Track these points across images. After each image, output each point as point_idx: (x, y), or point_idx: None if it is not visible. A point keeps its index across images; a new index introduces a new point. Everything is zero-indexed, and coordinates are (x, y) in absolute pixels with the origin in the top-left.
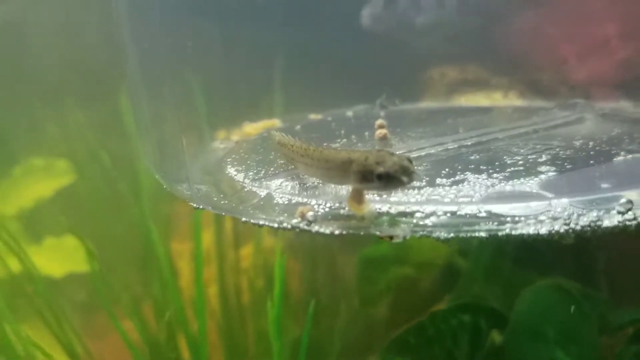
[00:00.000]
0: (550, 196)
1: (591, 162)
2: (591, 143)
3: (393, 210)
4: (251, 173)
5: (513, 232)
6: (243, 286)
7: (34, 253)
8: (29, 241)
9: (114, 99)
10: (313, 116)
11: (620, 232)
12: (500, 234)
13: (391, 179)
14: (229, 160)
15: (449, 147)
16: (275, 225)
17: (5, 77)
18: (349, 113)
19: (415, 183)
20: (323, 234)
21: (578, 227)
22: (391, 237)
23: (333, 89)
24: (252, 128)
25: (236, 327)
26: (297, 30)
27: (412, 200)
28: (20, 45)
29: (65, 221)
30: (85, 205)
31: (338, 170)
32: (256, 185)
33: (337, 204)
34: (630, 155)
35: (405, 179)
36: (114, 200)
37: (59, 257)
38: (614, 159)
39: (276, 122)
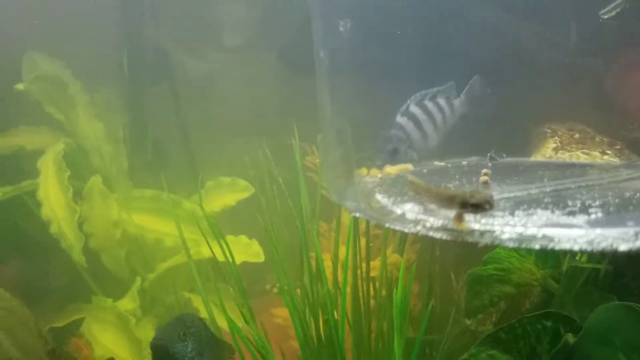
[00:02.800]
0: (587, 227)
1: (630, 208)
2: (638, 195)
3: (482, 228)
4: (392, 199)
5: (556, 247)
6: (371, 292)
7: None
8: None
9: (286, 136)
10: (437, 163)
11: None
12: (550, 247)
13: (478, 206)
14: (376, 190)
15: (531, 192)
16: (406, 230)
17: (205, 116)
18: (464, 162)
19: (497, 212)
20: (436, 238)
21: (599, 248)
22: (478, 243)
23: (457, 142)
24: (391, 169)
25: (364, 324)
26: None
27: (496, 223)
28: (215, 92)
29: (243, 225)
30: (262, 214)
31: (447, 201)
32: (395, 207)
33: (447, 221)
34: None
35: (487, 206)
36: (283, 212)
37: (237, 250)
38: None
39: (409, 166)
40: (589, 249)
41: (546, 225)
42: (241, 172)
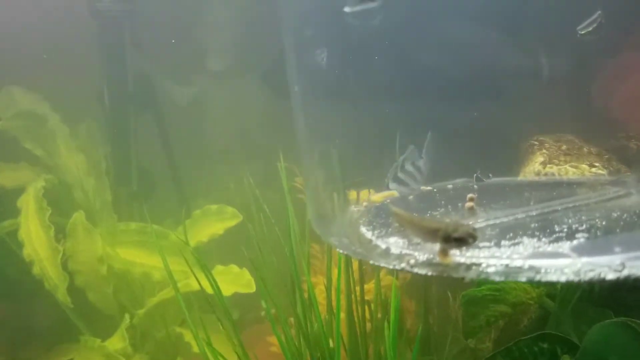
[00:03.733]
0: (574, 255)
1: (617, 230)
2: (625, 215)
3: (468, 261)
4: (376, 232)
5: (543, 280)
6: (366, 316)
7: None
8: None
9: (273, 161)
10: (423, 188)
11: None
12: (536, 279)
13: (461, 240)
14: (361, 221)
15: (518, 217)
16: (390, 267)
17: (193, 144)
18: (450, 186)
19: (482, 244)
20: (421, 275)
21: (587, 279)
22: (463, 278)
23: (444, 164)
24: (377, 197)
25: (360, 348)
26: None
27: (481, 255)
28: (204, 117)
29: (232, 253)
30: (249, 242)
31: (430, 234)
32: (379, 241)
33: (431, 256)
34: None
35: (470, 240)
36: (272, 238)
37: (226, 281)
38: (636, 229)
39: (395, 193)
40: (576, 279)
41: (532, 256)
42: (229, 199)
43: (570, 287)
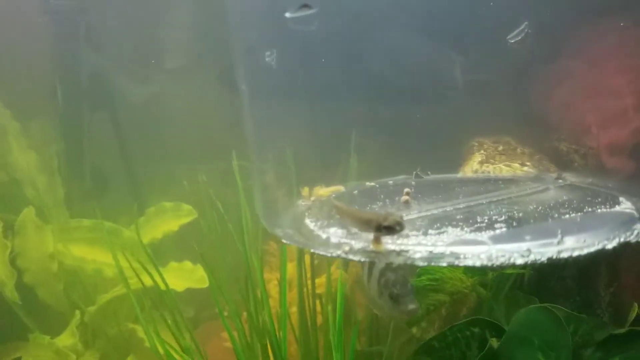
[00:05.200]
0: (490, 243)
1: (531, 221)
2: (540, 207)
3: (397, 249)
4: (319, 223)
5: (462, 264)
6: (317, 309)
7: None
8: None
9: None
10: (367, 183)
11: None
12: (455, 264)
13: (390, 228)
14: (306, 214)
15: (447, 209)
16: (328, 254)
17: (149, 142)
18: (390, 182)
19: (412, 233)
20: (355, 260)
21: (498, 263)
22: (391, 263)
23: (390, 161)
24: (324, 191)
25: (311, 340)
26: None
27: (410, 242)
28: (160, 116)
29: (186, 250)
30: (204, 239)
31: (365, 224)
32: (320, 231)
33: (366, 244)
34: (559, 217)
35: (398, 228)
36: (224, 237)
37: (180, 277)
38: (547, 220)
39: (341, 188)
40: (489, 264)
41: (454, 243)
42: (185, 197)
43: (502, 277)
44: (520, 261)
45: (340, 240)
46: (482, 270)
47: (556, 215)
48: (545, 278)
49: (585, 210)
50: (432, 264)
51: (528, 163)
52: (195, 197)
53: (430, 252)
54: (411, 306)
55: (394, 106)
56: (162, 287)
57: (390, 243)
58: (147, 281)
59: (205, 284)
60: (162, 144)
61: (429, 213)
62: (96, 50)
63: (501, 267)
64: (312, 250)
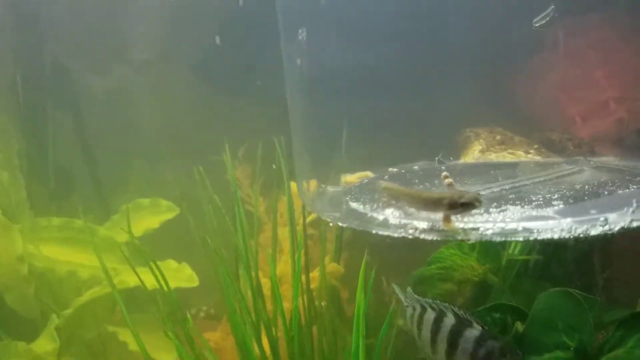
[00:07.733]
0: (559, 217)
1: (585, 198)
2: (587, 187)
3: (467, 226)
4: (368, 206)
5: (538, 237)
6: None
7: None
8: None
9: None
10: (391, 169)
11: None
12: (531, 238)
13: (468, 205)
14: (347, 198)
15: (495, 190)
16: (396, 234)
17: (116, 135)
18: (416, 167)
19: (475, 211)
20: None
21: (575, 235)
22: (468, 240)
23: (400, 150)
24: (352, 178)
25: (304, 333)
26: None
27: (478, 220)
28: (127, 108)
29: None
30: (191, 235)
31: (433, 204)
32: (375, 213)
33: (430, 224)
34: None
35: (477, 204)
36: (220, 231)
37: (167, 277)
38: (600, 196)
39: (369, 174)
40: (567, 236)
41: (523, 219)
42: (159, 193)
43: (510, 264)
44: (595, 232)
45: (401, 221)
46: (496, 257)
47: (606, 192)
48: (547, 265)
49: (631, 187)
50: (508, 239)
51: (531, 151)
52: (163, 195)
53: (503, 228)
54: None
55: (385, 97)
56: (148, 287)
57: (457, 222)
58: (128, 282)
59: (195, 282)
60: (130, 140)
61: (483, 193)
62: (59, 42)
63: (576, 239)
64: (374, 232)
